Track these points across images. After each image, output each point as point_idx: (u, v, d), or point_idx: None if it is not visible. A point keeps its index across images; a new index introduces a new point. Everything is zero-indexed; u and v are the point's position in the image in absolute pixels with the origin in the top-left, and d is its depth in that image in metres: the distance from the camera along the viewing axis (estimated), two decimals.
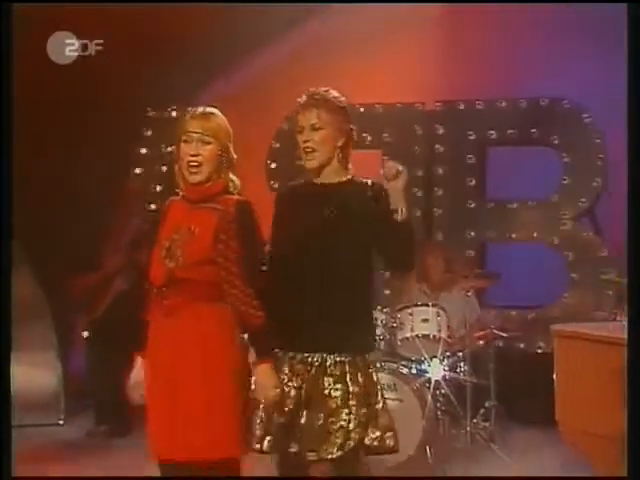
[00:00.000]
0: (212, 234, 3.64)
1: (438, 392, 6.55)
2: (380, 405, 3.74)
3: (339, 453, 3.63)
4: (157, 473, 3.76)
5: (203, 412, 3.59)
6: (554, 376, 4.48)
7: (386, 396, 3.86)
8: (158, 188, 8.04)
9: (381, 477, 4.51)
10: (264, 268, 3.72)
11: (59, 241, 7.72)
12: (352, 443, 3.63)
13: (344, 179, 3.78)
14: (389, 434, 3.74)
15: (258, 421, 3.72)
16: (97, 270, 7.63)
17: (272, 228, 3.86)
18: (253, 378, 3.69)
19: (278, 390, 3.64)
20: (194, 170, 3.66)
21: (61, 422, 7.41)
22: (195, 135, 3.65)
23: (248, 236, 3.68)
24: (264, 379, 3.64)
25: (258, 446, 3.71)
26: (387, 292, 7.58)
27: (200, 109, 3.73)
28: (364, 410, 3.67)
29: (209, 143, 3.65)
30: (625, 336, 3.78)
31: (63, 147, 7.64)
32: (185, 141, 3.68)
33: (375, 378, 3.77)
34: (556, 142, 7.71)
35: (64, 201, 7.68)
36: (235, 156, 3.76)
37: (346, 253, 3.71)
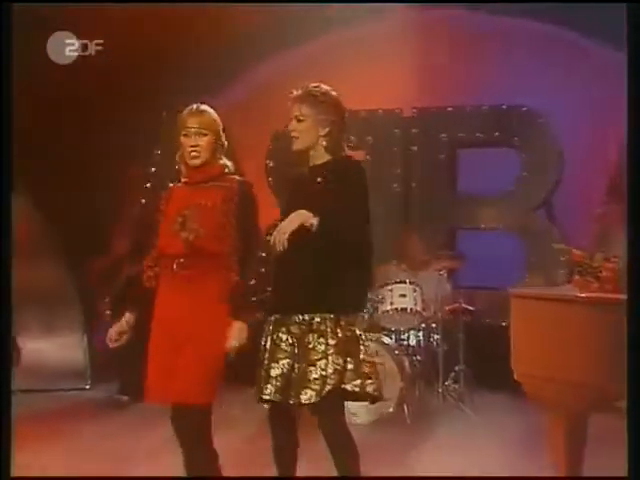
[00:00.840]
0: (219, 207, 3.97)
1: (414, 358, 7.03)
2: (362, 356, 3.92)
3: (317, 399, 3.83)
4: (167, 432, 4.02)
5: (192, 366, 3.88)
6: (510, 331, 4.73)
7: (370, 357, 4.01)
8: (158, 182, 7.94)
9: (380, 477, 4.57)
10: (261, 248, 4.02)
11: (73, 236, 7.81)
12: (329, 387, 3.83)
13: (333, 158, 4.04)
14: (369, 381, 3.92)
15: (260, 375, 3.97)
16: (108, 254, 7.94)
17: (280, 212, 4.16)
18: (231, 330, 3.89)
19: (239, 344, 3.89)
20: (194, 155, 4.02)
21: (87, 387, 7.99)
22: (193, 130, 4.01)
23: (247, 209, 4.01)
24: (235, 334, 3.89)
25: (260, 396, 3.95)
26: None
27: (194, 106, 4.06)
28: (341, 360, 3.86)
29: (205, 135, 4.02)
30: (573, 294, 4.20)
31: (63, 147, 7.58)
32: (185, 135, 4.03)
33: (358, 333, 3.94)
34: (516, 142, 8.13)
35: (64, 201, 7.69)
36: (226, 143, 4.10)
37: (334, 221, 3.87)
